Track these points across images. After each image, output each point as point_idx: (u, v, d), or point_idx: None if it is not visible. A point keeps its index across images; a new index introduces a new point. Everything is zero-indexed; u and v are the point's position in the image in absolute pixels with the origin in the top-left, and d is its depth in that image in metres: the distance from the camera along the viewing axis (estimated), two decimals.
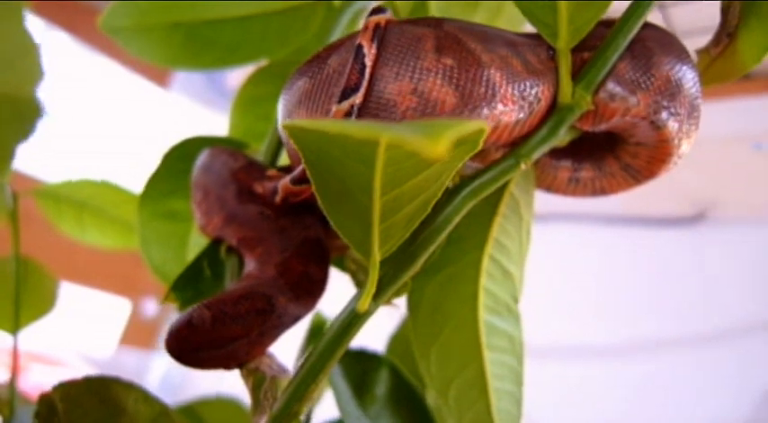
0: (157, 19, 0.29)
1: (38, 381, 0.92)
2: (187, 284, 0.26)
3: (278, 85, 0.33)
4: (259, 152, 0.27)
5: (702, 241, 0.97)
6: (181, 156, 0.29)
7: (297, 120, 0.19)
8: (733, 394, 0.86)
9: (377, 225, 0.17)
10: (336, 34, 0.30)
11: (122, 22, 0.28)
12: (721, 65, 0.25)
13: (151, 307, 1.34)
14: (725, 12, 0.24)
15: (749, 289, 0.91)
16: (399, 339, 0.32)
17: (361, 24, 0.29)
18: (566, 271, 1.02)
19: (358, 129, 0.11)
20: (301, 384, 0.18)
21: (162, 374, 1.33)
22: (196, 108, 1.36)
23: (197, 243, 0.30)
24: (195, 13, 0.29)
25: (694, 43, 0.24)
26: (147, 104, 1.34)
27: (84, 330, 1.26)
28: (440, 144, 0.09)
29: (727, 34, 0.24)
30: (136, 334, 1.34)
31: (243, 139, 0.30)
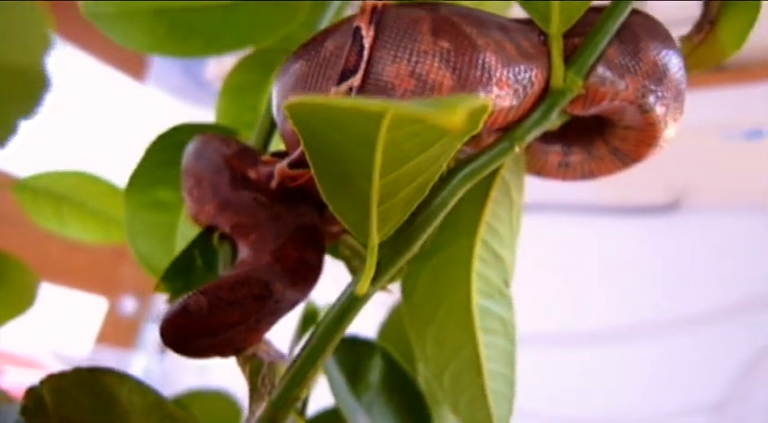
0: (141, 5, 0.28)
1: (14, 381, 0.90)
2: (177, 275, 0.25)
3: (264, 74, 0.33)
4: (249, 139, 0.27)
5: (676, 229, 0.99)
6: (168, 144, 0.28)
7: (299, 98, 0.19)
8: (707, 375, 0.89)
9: (375, 207, 0.17)
10: (324, 23, 0.30)
11: (105, 8, 0.28)
12: (703, 51, 0.25)
13: (129, 305, 1.32)
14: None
15: (722, 275, 0.94)
16: (391, 326, 0.33)
17: (348, 12, 0.29)
18: (542, 261, 1.04)
19: (364, 103, 0.11)
20: (301, 369, 0.18)
21: (141, 373, 1.31)
22: (172, 101, 1.34)
23: (185, 234, 0.30)
24: (180, 0, 0.29)
25: (675, 33, 0.25)
26: (123, 97, 1.31)
27: (60, 330, 1.23)
28: (455, 115, 0.09)
29: (708, 21, 0.25)
30: (113, 332, 1.32)
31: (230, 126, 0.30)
